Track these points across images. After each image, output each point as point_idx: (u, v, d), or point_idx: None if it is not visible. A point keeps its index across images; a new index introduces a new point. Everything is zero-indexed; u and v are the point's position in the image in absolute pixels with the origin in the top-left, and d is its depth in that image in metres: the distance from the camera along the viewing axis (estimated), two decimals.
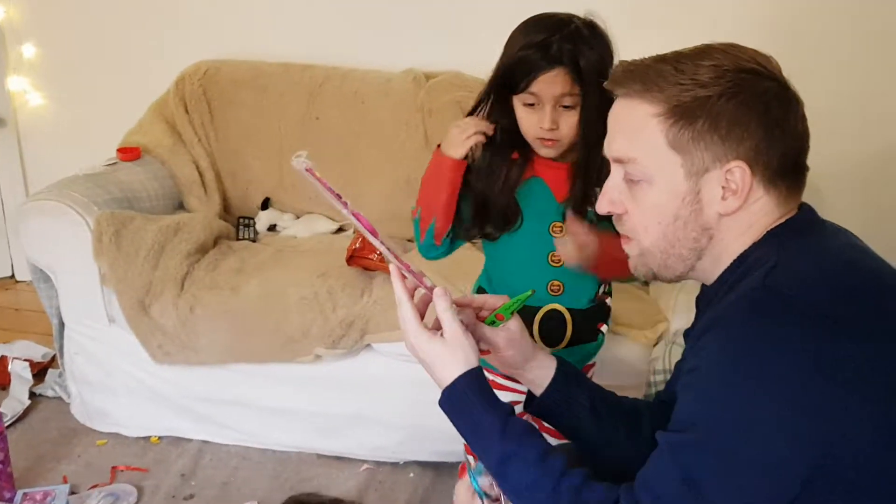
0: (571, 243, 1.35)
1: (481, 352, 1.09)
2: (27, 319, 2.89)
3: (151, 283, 2.07)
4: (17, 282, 3.19)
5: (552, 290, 1.45)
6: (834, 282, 0.89)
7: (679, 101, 0.93)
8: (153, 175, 2.43)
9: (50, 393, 2.43)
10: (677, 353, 1.75)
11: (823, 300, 0.86)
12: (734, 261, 0.97)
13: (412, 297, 1.06)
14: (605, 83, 1.01)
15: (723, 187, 0.93)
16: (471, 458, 1.14)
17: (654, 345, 1.96)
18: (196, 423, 2.23)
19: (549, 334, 1.47)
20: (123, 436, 2.26)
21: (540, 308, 1.46)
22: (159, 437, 2.26)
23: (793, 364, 0.82)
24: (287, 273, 2.14)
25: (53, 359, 2.54)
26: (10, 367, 2.46)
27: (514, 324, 1.13)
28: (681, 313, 1.96)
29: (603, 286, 1.51)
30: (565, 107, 1.32)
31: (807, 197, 1.02)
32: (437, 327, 1.06)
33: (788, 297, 0.86)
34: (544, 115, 1.32)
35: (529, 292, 1.13)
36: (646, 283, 2.21)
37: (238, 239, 2.48)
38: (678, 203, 0.95)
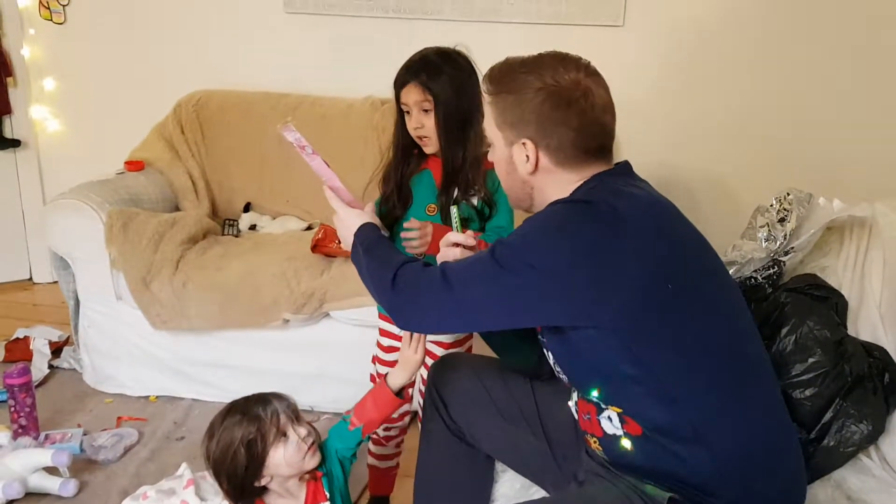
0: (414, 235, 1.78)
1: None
2: (43, 313, 3.35)
3: (152, 264, 2.56)
4: (35, 283, 3.67)
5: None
6: (622, 201, 1.33)
7: (501, 100, 1.41)
8: (154, 183, 2.93)
9: (65, 365, 2.90)
10: None
11: (612, 209, 1.31)
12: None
13: None
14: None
15: (526, 155, 1.40)
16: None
17: None
18: (187, 383, 2.70)
19: None
20: (127, 395, 2.72)
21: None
22: (157, 396, 2.72)
23: (584, 236, 1.28)
24: (262, 257, 2.63)
25: (67, 339, 3.02)
26: (31, 345, 2.93)
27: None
28: None
29: None
30: (426, 111, 1.77)
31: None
32: None
33: (591, 202, 1.32)
34: (411, 119, 1.79)
35: None
36: None
37: (223, 235, 2.96)
38: (504, 162, 1.45)
